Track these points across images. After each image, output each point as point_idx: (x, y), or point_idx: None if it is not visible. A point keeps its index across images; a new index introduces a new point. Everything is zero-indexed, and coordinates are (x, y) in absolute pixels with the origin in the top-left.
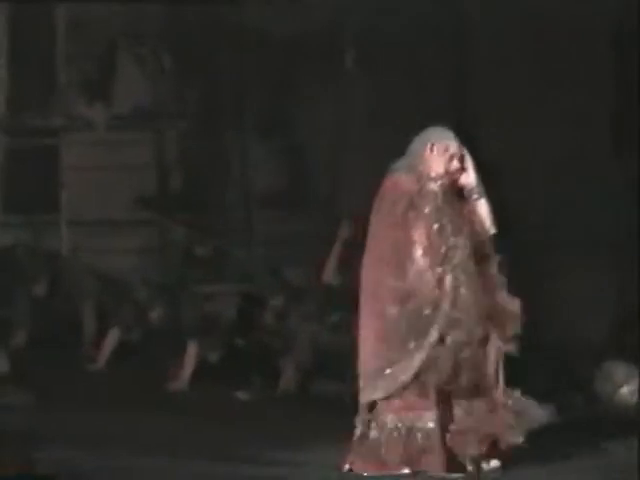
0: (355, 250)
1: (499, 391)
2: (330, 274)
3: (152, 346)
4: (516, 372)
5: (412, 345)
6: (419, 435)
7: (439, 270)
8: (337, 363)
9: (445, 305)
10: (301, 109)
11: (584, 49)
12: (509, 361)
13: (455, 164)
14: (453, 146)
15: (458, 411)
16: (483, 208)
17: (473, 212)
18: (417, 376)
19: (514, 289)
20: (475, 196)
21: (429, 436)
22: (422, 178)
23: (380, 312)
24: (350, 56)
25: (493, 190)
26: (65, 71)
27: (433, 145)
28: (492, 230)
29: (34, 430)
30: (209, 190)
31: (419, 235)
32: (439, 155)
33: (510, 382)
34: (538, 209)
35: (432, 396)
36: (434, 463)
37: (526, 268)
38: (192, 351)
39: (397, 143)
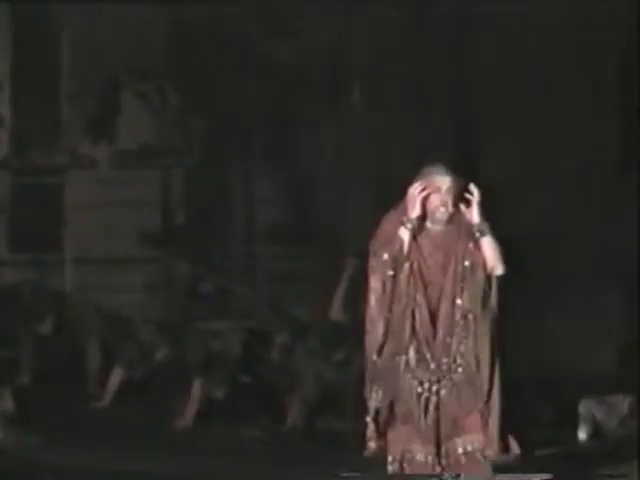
0: (360, 287)
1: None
2: (337, 311)
3: (157, 383)
4: (518, 405)
5: (366, 392)
6: (413, 467)
7: (387, 315)
8: (343, 399)
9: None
10: (307, 143)
11: (589, 67)
12: (511, 394)
13: (437, 201)
14: (438, 183)
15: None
16: (486, 246)
17: (479, 249)
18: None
19: (515, 319)
20: (477, 234)
21: (422, 468)
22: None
23: None
24: (356, 88)
25: (495, 214)
26: (69, 109)
27: (412, 186)
28: (497, 271)
29: (41, 468)
30: (214, 226)
31: (375, 281)
32: (414, 196)
33: (513, 414)
34: (541, 235)
35: (420, 432)
36: None
37: (528, 298)
38: (197, 388)
39: (405, 177)
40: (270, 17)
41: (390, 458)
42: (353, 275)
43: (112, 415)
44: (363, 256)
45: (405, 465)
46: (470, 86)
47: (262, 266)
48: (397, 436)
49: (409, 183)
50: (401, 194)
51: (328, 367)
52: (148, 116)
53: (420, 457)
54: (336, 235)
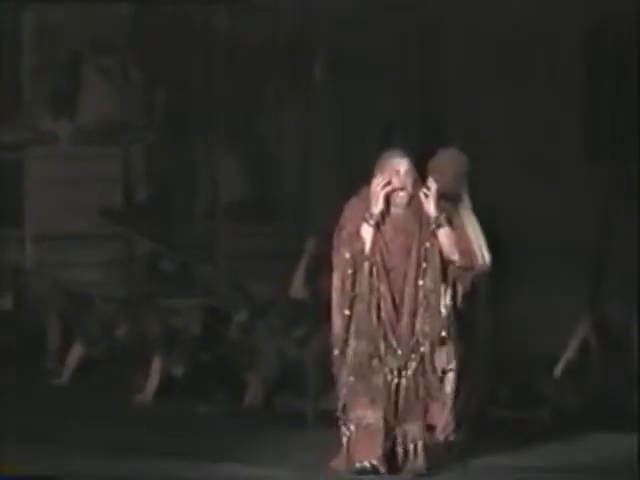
0: (321, 265)
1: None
2: (298, 289)
3: (117, 360)
4: (482, 383)
5: (336, 380)
6: (365, 430)
7: (347, 313)
8: (302, 377)
9: (350, 350)
10: (270, 121)
11: (556, 53)
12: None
13: (396, 184)
14: (396, 167)
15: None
16: (443, 237)
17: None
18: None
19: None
20: (433, 226)
21: (373, 431)
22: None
23: None
24: (319, 66)
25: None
26: (30, 84)
27: (374, 179)
28: (452, 257)
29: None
30: (175, 203)
31: (336, 278)
32: (377, 192)
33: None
34: (508, 216)
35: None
36: (371, 456)
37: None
38: (157, 365)
39: (367, 156)
40: None
41: (344, 428)
42: (314, 253)
43: (71, 391)
44: (324, 235)
45: (358, 430)
46: (437, 66)
47: (223, 244)
48: (356, 402)
49: (371, 164)
50: (365, 175)
51: (288, 345)
52: (110, 92)
53: (374, 421)
54: (298, 213)
